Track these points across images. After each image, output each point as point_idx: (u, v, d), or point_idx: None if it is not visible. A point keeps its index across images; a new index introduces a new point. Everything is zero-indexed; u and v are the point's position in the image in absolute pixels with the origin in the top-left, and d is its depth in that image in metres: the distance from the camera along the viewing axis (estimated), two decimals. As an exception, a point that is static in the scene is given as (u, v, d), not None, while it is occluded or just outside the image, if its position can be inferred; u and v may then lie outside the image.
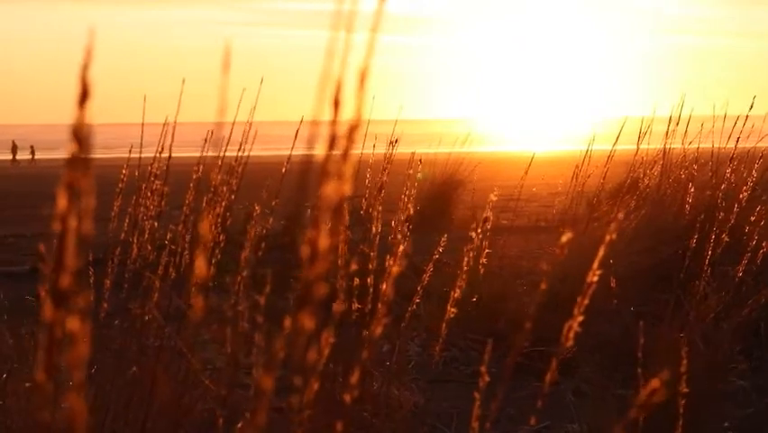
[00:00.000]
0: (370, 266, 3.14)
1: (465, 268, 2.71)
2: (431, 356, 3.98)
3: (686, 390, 1.95)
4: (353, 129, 1.29)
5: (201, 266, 1.35)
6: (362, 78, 1.28)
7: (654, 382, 1.33)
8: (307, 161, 1.43)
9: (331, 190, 1.30)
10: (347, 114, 1.28)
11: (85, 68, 1.19)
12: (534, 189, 12.87)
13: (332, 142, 1.29)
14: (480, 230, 2.49)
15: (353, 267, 2.60)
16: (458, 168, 11.05)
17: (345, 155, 1.29)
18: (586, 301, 1.71)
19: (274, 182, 3.34)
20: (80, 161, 1.20)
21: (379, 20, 1.30)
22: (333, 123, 1.28)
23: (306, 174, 1.34)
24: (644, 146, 8.12)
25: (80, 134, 1.22)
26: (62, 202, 1.18)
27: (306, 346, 1.38)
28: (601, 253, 1.64)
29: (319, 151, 1.31)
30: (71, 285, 1.24)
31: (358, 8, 1.26)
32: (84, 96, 1.21)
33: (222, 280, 2.81)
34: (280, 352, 1.40)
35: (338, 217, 1.32)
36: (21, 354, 3.29)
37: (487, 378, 1.74)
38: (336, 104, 1.28)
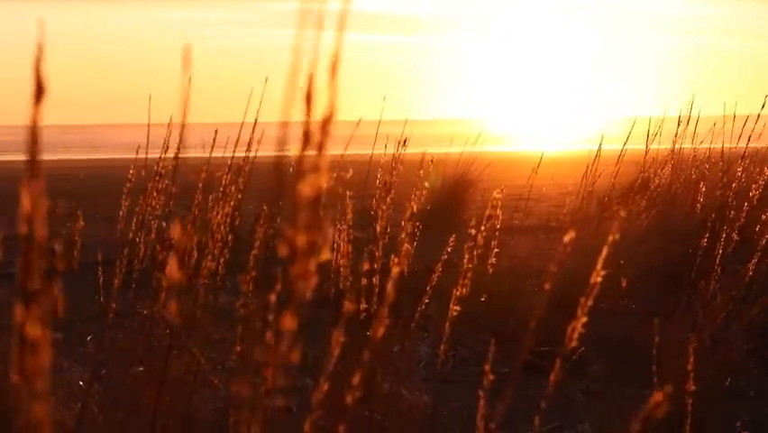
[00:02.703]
0: (375, 266, 3.14)
1: (468, 266, 2.70)
2: (441, 357, 3.97)
3: (693, 387, 1.94)
4: (327, 123, 1.28)
5: (174, 270, 1.35)
6: (333, 71, 1.27)
7: (667, 388, 1.32)
8: (282, 161, 1.42)
9: (307, 187, 1.29)
10: (319, 109, 1.28)
11: (38, 63, 1.18)
12: (544, 189, 12.86)
13: (306, 139, 1.29)
14: (483, 228, 2.49)
15: (364, 267, 2.59)
16: (468, 168, 11.04)
17: (320, 150, 1.28)
18: (590, 302, 1.71)
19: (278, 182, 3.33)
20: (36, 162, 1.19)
21: (345, 14, 1.29)
22: (307, 119, 1.28)
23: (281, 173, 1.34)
24: (654, 146, 8.12)
25: (35, 134, 1.21)
26: (26, 203, 1.18)
27: (290, 346, 1.38)
28: (605, 253, 1.64)
29: (294, 149, 1.31)
30: (39, 287, 1.23)
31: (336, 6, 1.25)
32: (39, 93, 1.20)
33: (232, 280, 2.82)
34: (290, 352, 1.39)
35: (316, 214, 1.31)
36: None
37: (491, 377, 1.74)
38: (308, 99, 1.27)
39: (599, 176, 7.59)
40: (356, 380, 1.55)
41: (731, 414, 4.45)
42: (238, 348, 2.18)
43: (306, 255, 1.24)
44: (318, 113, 1.26)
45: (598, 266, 1.67)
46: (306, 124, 1.22)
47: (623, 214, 1.67)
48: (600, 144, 7.71)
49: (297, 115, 1.25)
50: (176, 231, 1.25)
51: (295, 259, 1.23)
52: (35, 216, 1.01)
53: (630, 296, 4.83)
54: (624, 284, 4.45)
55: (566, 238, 1.59)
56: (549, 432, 4.45)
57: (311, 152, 1.26)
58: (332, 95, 1.23)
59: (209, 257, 2.73)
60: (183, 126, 1.33)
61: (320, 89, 1.29)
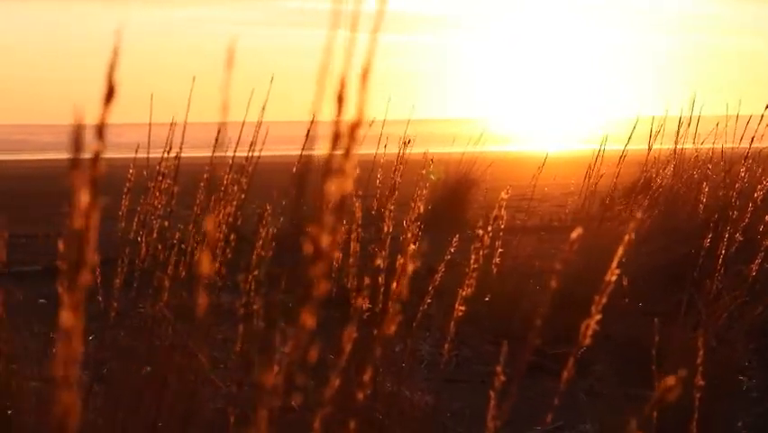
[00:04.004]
0: (381, 265, 3.13)
1: (474, 266, 2.70)
2: (443, 356, 3.97)
3: (701, 383, 1.93)
4: (356, 127, 1.28)
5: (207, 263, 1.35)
6: (364, 75, 1.27)
7: (670, 380, 1.32)
8: (311, 161, 1.42)
9: (334, 188, 1.29)
10: (350, 111, 1.28)
11: (111, 67, 1.19)
12: (546, 189, 12.85)
13: (335, 141, 1.29)
14: (489, 228, 2.48)
15: (372, 264, 2.59)
16: (471, 168, 11.04)
17: (348, 153, 1.28)
18: (604, 300, 1.71)
19: (284, 182, 3.34)
20: (99, 160, 1.20)
21: (381, 19, 1.29)
22: (337, 121, 1.28)
23: (309, 173, 1.34)
24: (656, 146, 8.12)
25: (102, 133, 1.22)
26: (84, 199, 1.18)
27: (309, 344, 1.37)
28: (620, 252, 1.63)
29: (322, 149, 1.31)
30: (88, 282, 1.24)
31: (360, 8, 1.25)
32: (109, 95, 1.21)
33: (233, 280, 2.81)
34: (292, 350, 1.39)
35: (341, 214, 1.31)
36: (31, 354, 3.29)
37: (502, 377, 1.73)
38: (340, 101, 1.27)
39: (602, 176, 7.59)
40: (366, 377, 1.54)
41: (733, 414, 4.44)
42: (239, 347, 2.18)
43: (327, 254, 1.24)
44: (346, 115, 1.26)
45: (614, 265, 1.67)
46: (336, 125, 1.22)
47: (638, 215, 1.67)
48: (603, 144, 7.71)
49: (324, 117, 1.25)
50: (209, 224, 1.25)
51: (318, 258, 1.23)
52: (91, 211, 1.02)
53: (633, 295, 4.82)
54: (625, 283, 4.44)
55: (573, 235, 1.58)
56: (551, 431, 4.44)
57: (337, 153, 1.26)
58: (362, 99, 1.23)
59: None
60: (222, 125, 1.32)
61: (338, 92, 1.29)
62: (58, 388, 0.84)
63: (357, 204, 3.47)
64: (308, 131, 3.58)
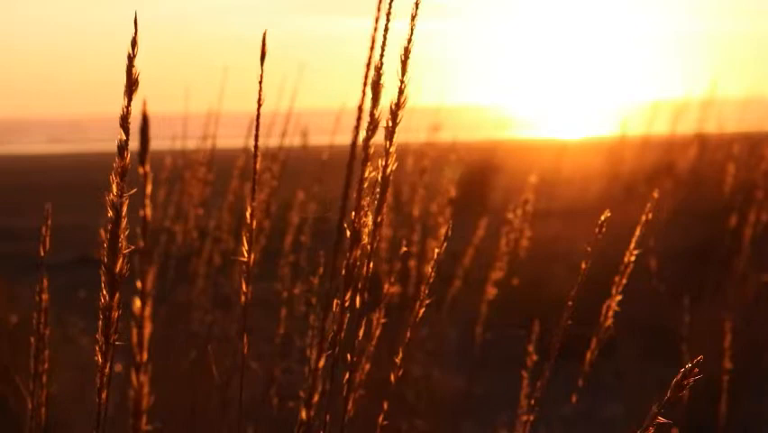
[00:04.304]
0: (412, 250, 3.17)
1: (504, 250, 2.73)
2: (470, 340, 4.01)
3: (729, 366, 1.97)
4: (397, 111, 1.33)
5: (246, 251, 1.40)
6: (404, 59, 1.31)
7: (697, 360, 1.35)
8: (350, 147, 1.46)
9: (372, 172, 1.34)
10: (388, 99, 1.32)
11: (131, 60, 1.24)
12: (568, 173, 12.86)
13: (374, 127, 1.33)
14: (519, 211, 2.52)
15: (402, 250, 2.63)
16: (492, 153, 11.06)
17: (391, 135, 1.33)
18: (624, 281, 1.74)
19: (316, 169, 3.39)
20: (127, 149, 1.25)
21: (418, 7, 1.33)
22: (374, 106, 1.32)
23: (350, 159, 1.38)
24: (678, 129, 8.11)
25: (128, 124, 1.27)
26: (115, 189, 1.23)
27: (356, 326, 1.42)
28: (638, 233, 1.67)
29: (360, 135, 1.35)
30: (125, 269, 1.29)
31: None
32: (131, 86, 1.25)
33: (267, 267, 2.85)
34: (331, 332, 1.43)
35: (383, 198, 1.35)
36: (68, 343, 3.34)
37: (534, 357, 1.77)
38: (376, 87, 1.31)
39: (625, 160, 7.60)
40: (398, 359, 1.59)
41: (759, 392, 4.47)
42: (281, 331, 2.22)
43: (367, 238, 1.29)
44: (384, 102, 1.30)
45: (631, 246, 1.70)
46: (373, 110, 1.26)
47: (655, 195, 1.70)
48: (625, 128, 7.72)
49: (353, 104, 1.30)
50: (246, 211, 1.30)
51: (357, 242, 1.28)
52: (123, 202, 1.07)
53: (659, 277, 4.84)
54: (653, 265, 4.47)
55: (602, 217, 1.62)
56: (579, 413, 4.48)
57: (376, 140, 1.30)
58: (402, 85, 1.27)
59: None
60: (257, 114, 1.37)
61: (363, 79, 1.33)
62: (133, 371, 0.89)
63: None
64: (337, 118, 3.63)
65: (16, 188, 16.71)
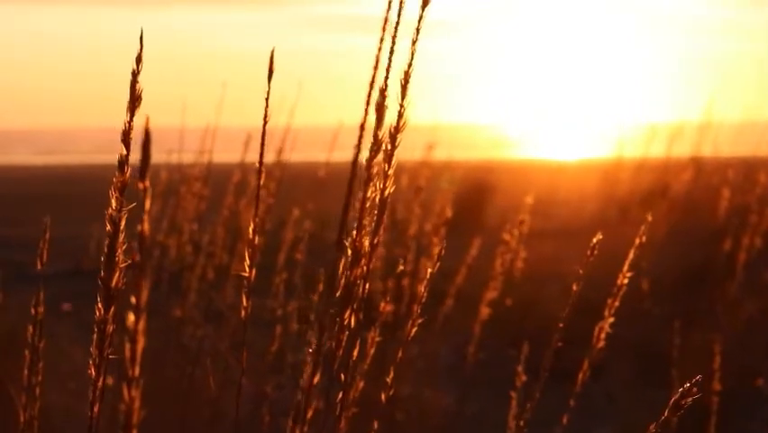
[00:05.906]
0: (405, 269, 3.18)
1: (499, 270, 2.74)
2: (462, 359, 4.01)
3: (718, 387, 1.97)
4: (396, 133, 1.33)
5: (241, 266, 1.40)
6: (405, 83, 1.32)
7: (688, 383, 1.35)
8: (349, 165, 1.47)
9: (373, 192, 1.34)
10: (390, 118, 1.33)
11: (135, 75, 1.24)
12: (564, 194, 12.87)
13: (376, 146, 1.34)
14: (516, 232, 2.53)
15: (398, 269, 2.63)
16: (489, 172, 11.08)
17: (389, 158, 1.33)
18: (617, 303, 1.75)
19: (312, 186, 3.39)
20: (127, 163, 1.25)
21: (420, 26, 1.34)
22: (378, 127, 1.33)
23: (350, 178, 1.39)
24: (673, 152, 8.13)
25: (129, 140, 1.27)
26: (114, 203, 1.24)
27: (352, 344, 1.42)
28: (631, 255, 1.68)
29: (362, 154, 1.36)
30: (121, 283, 1.29)
31: (400, 16, 1.30)
32: (134, 102, 1.26)
33: (260, 283, 2.85)
34: (326, 350, 1.44)
35: (381, 218, 1.36)
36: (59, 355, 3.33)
37: (524, 377, 1.78)
38: (381, 108, 1.32)
39: (620, 181, 7.62)
40: (389, 378, 1.59)
41: (748, 415, 4.47)
42: (273, 348, 2.22)
43: (366, 257, 1.29)
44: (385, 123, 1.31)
45: (624, 268, 1.71)
46: (376, 132, 1.27)
47: (649, 218, 1.71)
48: (621, 150, 7.74)
49: (352, 122, 1.30)
50: (242, 226, 1.31)
51: (358, 260, 1.29)
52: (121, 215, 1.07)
53: (651, 300, 4.85)
54: (645, 287, 4.47)
55: (594, 240, 1.62)
56: (570, 435, 4.47)
57: (378, 159, 1.31)
58: (402, 109, 1.28)
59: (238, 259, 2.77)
60: (262, 128, 1.38)
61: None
62: (124, 385, 0.90)
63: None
64: (334, 136, 3.64)
65: (2, 198, 16.70)
